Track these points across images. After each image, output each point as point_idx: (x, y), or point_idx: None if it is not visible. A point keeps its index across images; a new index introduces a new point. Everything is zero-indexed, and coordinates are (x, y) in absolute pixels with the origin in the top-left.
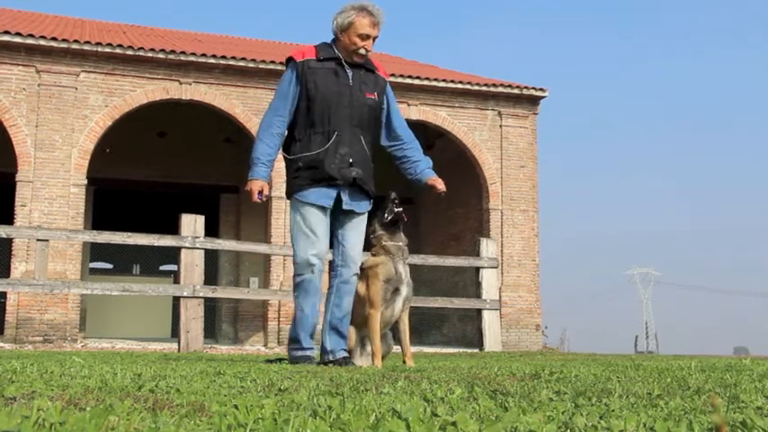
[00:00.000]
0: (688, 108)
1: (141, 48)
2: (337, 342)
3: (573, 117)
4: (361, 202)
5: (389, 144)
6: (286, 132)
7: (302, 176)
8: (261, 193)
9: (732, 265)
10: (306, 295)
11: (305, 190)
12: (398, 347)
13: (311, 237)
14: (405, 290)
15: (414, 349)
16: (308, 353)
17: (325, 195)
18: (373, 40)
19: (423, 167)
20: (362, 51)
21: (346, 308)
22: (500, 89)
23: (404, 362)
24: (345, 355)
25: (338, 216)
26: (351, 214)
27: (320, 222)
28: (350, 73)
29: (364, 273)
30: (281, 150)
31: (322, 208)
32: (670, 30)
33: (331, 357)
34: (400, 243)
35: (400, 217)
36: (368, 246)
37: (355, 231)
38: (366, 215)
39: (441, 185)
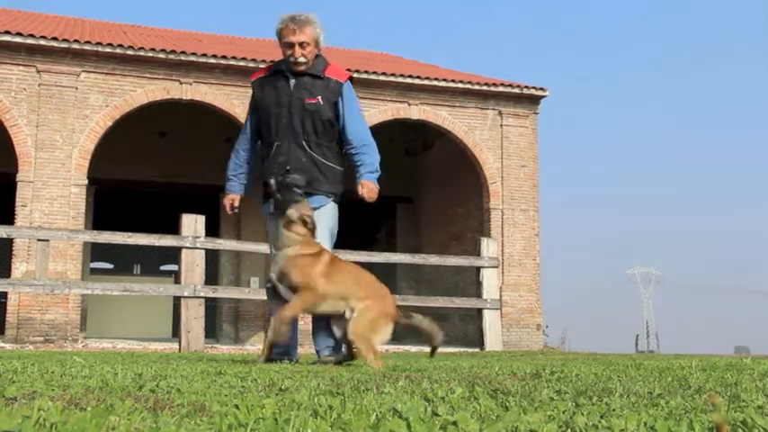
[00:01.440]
0: (688, 108)
1: (141, 48)
2: (324, 340)
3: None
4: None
5: (344, 148)
6: (256, 145)
7: (263, 189)
8: (232, 205)
9: (732, 264)
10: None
11: (263, 203)
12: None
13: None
14: None
15: (414, 349)
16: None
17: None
18: (301, 46)
19: (362, 172)
20: (292, 60)
21: None
22: (500, 89)
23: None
24: (340, 354)
25: None
26: None
27: (273, 231)
28: (292, 82)
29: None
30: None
31: (275, 217)
32: (670, 30)
33: (319, 357)
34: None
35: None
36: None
37: (318, 228)
38: (328, 207)
39: (363, 191)
